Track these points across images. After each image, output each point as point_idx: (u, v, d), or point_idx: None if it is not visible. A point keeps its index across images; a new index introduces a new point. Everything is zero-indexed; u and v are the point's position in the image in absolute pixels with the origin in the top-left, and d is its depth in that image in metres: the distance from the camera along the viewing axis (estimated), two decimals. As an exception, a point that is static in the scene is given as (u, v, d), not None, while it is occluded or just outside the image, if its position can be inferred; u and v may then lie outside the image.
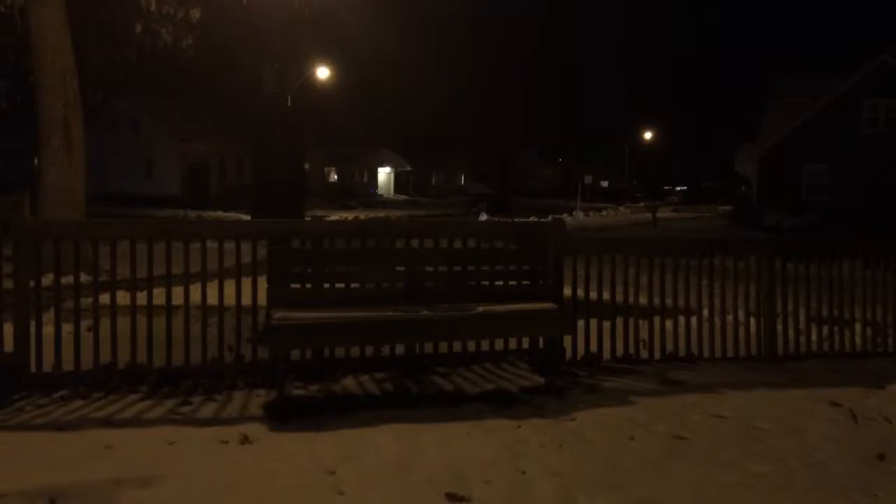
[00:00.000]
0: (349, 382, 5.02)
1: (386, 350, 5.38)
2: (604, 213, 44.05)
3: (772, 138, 32.23)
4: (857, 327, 6.33)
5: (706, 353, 5.87)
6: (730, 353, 5.92)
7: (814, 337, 6.21)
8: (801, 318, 6.15)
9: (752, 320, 6.18)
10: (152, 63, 15.13)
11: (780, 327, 6.05)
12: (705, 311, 6.01)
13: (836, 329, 6.22)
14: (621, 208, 48.74)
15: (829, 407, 4.74)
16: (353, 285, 5.08)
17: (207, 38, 13.91)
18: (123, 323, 4.90)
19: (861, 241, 6.58)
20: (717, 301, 6.01)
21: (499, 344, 5.67)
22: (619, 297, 5.73)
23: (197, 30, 12.68)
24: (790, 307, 6.10)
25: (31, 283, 4.72)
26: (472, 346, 5.57)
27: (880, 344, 6.28)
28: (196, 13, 12.24)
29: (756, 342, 6.01)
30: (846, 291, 6.24)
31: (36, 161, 10.64)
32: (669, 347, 5.86)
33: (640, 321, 5.80)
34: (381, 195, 59.08)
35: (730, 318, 6.08)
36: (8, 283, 4.72)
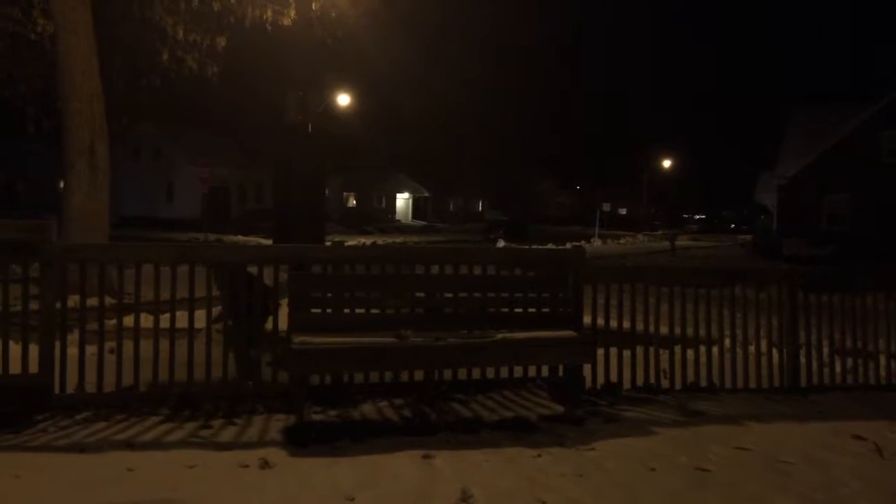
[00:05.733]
0: (368, 408, 5.02)
1: (405, 376, 5.38)
2: (622, 240, 43.89)
3: (791, 168, 32.08)
4: (882, 359, 6.25)
5: (728, 384, 5.81)
6: (752, 384, 5.85)
7: (837, 369, 6.13)
8: (825, 350, 6.09)
9: (775, 351, 6.11)
10: (177, 89, 15.39)
11: (802, 359, 5.99)
12: (727, 341, 5.96)
13: (859, 361, 6.13)
14: (639, 236, 48.59)
15: (854, 440, 4.67)
16: (372, 311, 5.11)
17: (231, 66, 14.14)
18: (146, 345, 4.95)
19: (884, 272, 6.51)
20: (738, 331, 5.96)
21: (518, 371, 5.66)
22: (640, 326, 5.70)
23: (222, 58, 12.89)
24: (813, 338, 6.04)
25: (57, 305, 4.78)
26: (491, 373, 5.56)
27: (905, 377, 6.18)
28: (222, 41, 12.46)
29: (779, 373, 5.95)
30: (870, 323, 6.17)
31: (62, 184, 10.81)
32: (690, 377, 5.81)
33: (661, 350, 5.76)
34: (398, 220, 59.36)
35: (752, 348, 6.02)
36: (34, 305, 4.78)
